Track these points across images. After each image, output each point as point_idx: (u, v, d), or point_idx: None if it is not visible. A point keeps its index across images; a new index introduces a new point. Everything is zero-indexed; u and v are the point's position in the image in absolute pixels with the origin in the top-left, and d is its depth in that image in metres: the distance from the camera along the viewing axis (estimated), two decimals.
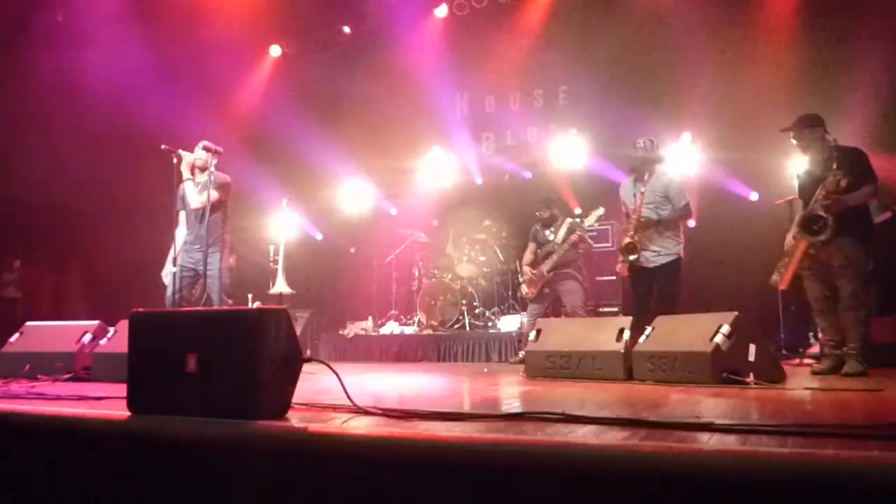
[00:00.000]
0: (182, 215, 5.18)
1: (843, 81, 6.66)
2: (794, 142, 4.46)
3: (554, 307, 6.73)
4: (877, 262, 5.72)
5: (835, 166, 4.12)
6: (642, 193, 5.38)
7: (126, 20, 9.09)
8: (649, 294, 5.38)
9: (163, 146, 4.97)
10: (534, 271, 6.45)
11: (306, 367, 2.30)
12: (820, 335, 4.65)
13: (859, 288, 4.16)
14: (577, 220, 6.55)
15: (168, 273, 5.06)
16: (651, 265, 5.32)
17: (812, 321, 5.17)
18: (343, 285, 9.19)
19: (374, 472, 1.70)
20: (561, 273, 6.36)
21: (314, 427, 1.87)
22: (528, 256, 6.73)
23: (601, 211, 6.20)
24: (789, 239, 4.40)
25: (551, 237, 6.53)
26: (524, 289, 6.60)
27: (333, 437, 1.80)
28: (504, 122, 9.49)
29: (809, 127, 4.36)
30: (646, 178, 5.40)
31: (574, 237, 6.27)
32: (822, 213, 4.11)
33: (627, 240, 5.33)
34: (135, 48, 9.41)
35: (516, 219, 8.18)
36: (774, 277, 4.43)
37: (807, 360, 5.39)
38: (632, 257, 5.27)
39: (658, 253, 5.31)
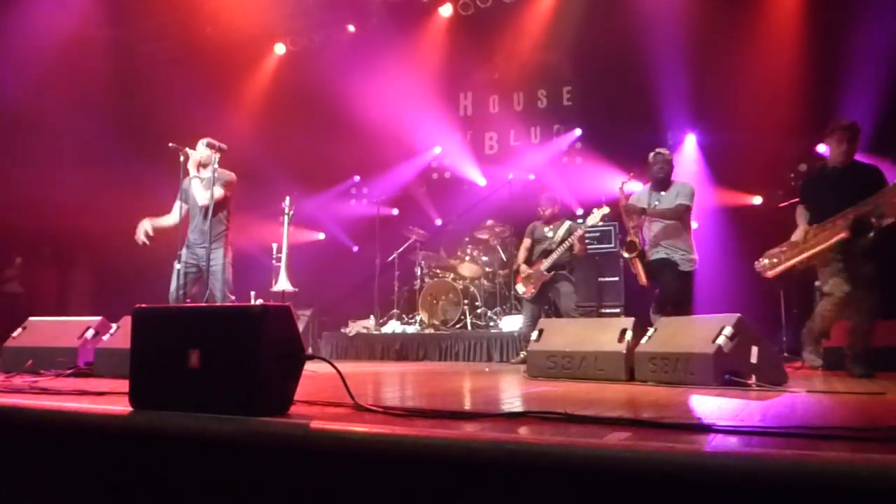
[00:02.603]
0: (177, 207, 5.19)
1: (843, 81, 6.65)
2: (839, 145, 4.41)
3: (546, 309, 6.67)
4: (879, 266, 5.72)
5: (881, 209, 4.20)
6: (658, 203, 5.33)
7: (130, 19, 9.11)
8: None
9: (170, 144, 4.99)
10: (531, 270, 6.40)
11: (308, 365, 2.30)
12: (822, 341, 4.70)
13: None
14: (578, 221, 6.52)
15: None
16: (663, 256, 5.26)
17: None
18: (345, 284, 9.20)
19: (375, 470, 1.70)
20: (557, 275, 6.32)
21: (315, 424, 1.87)
22: (522, 254, 6.64)
23: (606, 210, 6.15)
24: (800, 234, 4.43)
25: (550, 234, 6.49)
26: (520, 288, 6.48)
27: (335, 435, 1.80)
28: (508, 122, 9.49)
29: (857, 139, 4.37)
30: (668, 187, 5.35)
31: (572, 239, 6.23)
32: (874, 220, 4.20)
33: (630, 238, 5.30)
34: (140, 45, 9.43)
35: (519, 219, 8.17)
36: (764, 262, 4.46)
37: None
38: (629, 255, 5.25)
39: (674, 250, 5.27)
